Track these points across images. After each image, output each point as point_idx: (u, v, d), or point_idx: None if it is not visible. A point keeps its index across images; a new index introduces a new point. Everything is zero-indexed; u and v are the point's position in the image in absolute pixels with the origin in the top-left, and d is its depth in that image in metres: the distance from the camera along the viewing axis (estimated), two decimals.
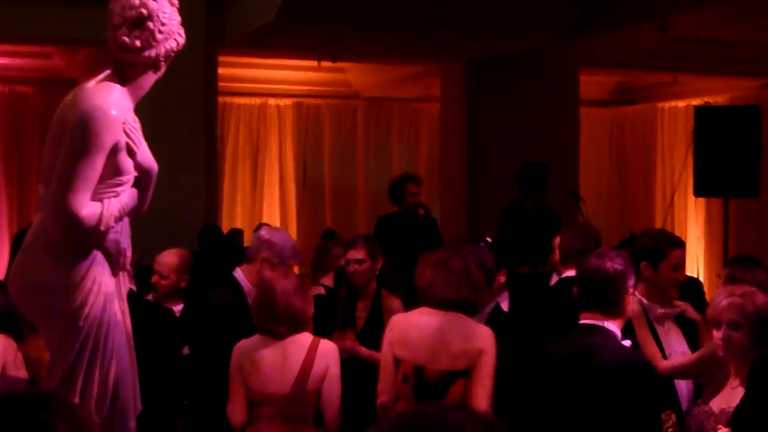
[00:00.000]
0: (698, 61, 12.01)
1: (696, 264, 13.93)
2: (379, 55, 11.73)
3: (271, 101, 14.04)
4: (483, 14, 9.32)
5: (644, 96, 15.23)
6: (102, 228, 3.79)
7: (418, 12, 9.20)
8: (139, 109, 4.01)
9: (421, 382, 4.48)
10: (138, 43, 3.87)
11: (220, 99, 11.67)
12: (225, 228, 12.57)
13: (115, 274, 3.96)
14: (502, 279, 6.12)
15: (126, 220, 3.98)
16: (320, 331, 5.84)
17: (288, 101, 14.10)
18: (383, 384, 4.61)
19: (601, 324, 3.97)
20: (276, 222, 13.37)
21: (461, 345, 4.46)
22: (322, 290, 6.86)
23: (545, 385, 4.05)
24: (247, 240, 11.55)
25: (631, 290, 4.04)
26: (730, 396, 3.97)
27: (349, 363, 5.53)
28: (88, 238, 3.81)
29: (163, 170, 4.10)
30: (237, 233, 11.32)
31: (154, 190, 4.09)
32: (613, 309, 3.99)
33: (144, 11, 3.85)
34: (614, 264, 3.98)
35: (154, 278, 6.19)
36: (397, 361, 4.55)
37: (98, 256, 3.87)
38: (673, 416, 4.11)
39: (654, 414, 3.95)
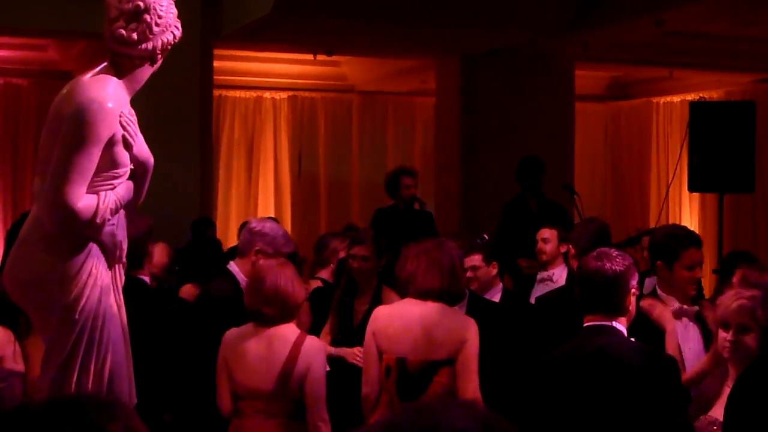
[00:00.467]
0: (693, 56, 12.04)
1: None
2: (374, 48, 11.73)
3: (267, 94, 14.04)
4: (478, 8, 9.32)
5: (639, 91, 15.24)
6: (98, 221, 3.79)
7: (414, 5, 9.20)
8: (134, 102, 4.01)
9: (404, 373, 4.50)
10: (134, 35, 3.86)
11: (216, 92, 11.67)
12: (220, 220, 12.58)
13: (110, 266, 3.95)
14: (493, 271, 6.16)
15: (122, 212, 3.98)
16: (317, 323, 5.86)
17: (283, 94, 14.10)
18: (366, 376, 4.64)
19: (609, 324, 3.90)
20: (271, 214, 13.37)
21: (443, 334, 4.51)
22: (319, 284, 6.86)
23: (559, 388, 3.95)
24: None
25: (633, 290, 3.96)
26: None
27: (339, 362, 5.55)
28: (84, 231, 3.81)
29: (157, 163, 4.10)
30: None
31: (149, 183, 4.09)
32: (616, 311, 3.92)
33: (141, 4, 3.85)
34: (613, 265, 3.90)
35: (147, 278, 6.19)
36: (380, 353, 4.57)
37: (94, 248, 3.87)
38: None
39: (683, 407, 3.88)
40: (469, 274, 5.97)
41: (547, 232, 7.20)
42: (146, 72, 3.99)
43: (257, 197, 13.93)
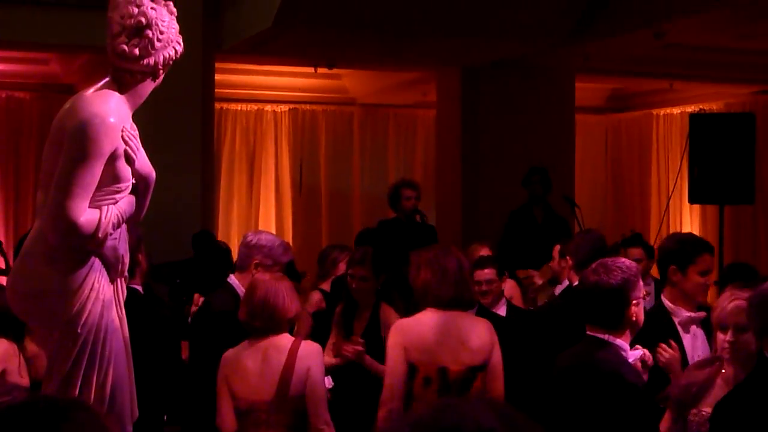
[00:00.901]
0: (693, 68, 12.07)
1: None
2: (375, 61, 11.76)
3: (268, 107, 14.06)
4: (479, 20, 9.35)
5: (639, 103, 15.26)
6: (100, 235, 3.81)
7: (414, 18, 9.23)
8: (136, 115, 4.03)
9: (445, 383, 4.51)
10: (137, 51, 3.88)
11: (217, 105, 11.70)
12: (221, 233, 12.60)
13: (113, 280, 3.97)
14: (504, 285, 6.23)
15: (124, 226, 3.99)
16: (317, 339, 5.87)
17: (284, 107, 14.12)
18: (393, 390, 4.56)
19: (604, 337, 3.94)
20: (271, 227, 13.40)
21: (478, 340, 4.58)
22: (320, 295, 6.86)
23: (551, 395, 4.03)
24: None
25: (635, 301, 3.97)
26: None
27: (347, 371, 5.55)
28: (86, 245, 3.83)
29: (159, 175, 4.12)
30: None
31: (151, 195, 4.11)
32: (616, 323, 3.95)
33: (143, 20, 3.87)
34: (610, 279, 3.92)
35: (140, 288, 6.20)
36: (413, 367, 4.54)
37: (96, 262, 3.89)
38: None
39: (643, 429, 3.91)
40: (484, 287, 6.00)
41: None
42: (148, 87, 4.01)
43: (258, 210, 13.94)
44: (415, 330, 4.62)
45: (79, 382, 3.84)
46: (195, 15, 9.75)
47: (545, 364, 4.72)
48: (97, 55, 10.06)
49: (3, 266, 9.27)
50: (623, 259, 4.16)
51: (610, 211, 15.39)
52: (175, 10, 4.02)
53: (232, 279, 5.61)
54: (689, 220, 14.29)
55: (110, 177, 3.83)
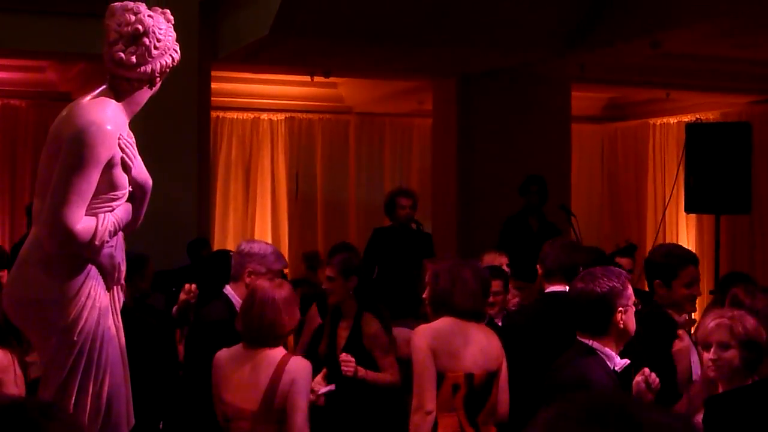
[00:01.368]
0: (689, 78, 12.08)
1: None
2: (372, 70, 11.77)
3: (264, 116, 14.07)
4: (475, 29, 9.36)
5: (636, 112, 15.29)
6: (96, 243, 3.80)
7: (411, 27, 9.23)
8: (132, 123, 4.03)
9: (471, 389, 4.56)
10: (133, 58, 3.88)
11: (213, 113, 11.70)
12: (217, 241, 12.59)
13: (109, 288, 3.96)
14: (508, 297, 6.29)
15: (120, 234, 3.99)
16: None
17: (280, 116, 14.14)
18: (429, 392, 4.52)
19: (590, 343, 4.02)
20: (267, 236, 13.40)
21: (494, 346, 4.68)
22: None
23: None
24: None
25: (620, 308, 4.01)
26: None
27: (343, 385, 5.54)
28: (83, 253, 3.82)
29: (155, 184, 4.11)
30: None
31: (147, 203, 4.11)
32: (602, 330, 4.02)
33: (140, 27, 3.87)
34: (596, 286, 4.00)
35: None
36: (440, 374, 4.53)
37: (93, 270, 3.88)
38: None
39: None
40: (490, 299, 6.03)
41: None
42: (145, 95, 4.00)
43: (254, 218, 13.94)
44: (440, 335, 4.62)
45: (75, 390, 3.83)
46: (191, 23, 9.76)
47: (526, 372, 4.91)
48: (93, 63, 10.07)
49: None
50: (612, 268, 4.24)
51: (607, 220, 15.41)
52: (172, 18, 4.01)
53: (227, 289, 5.61)
54: (685, 230, 14.31)
55: (107, 185, 3.83)
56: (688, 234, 14.28)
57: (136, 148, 3.96)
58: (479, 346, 4.61)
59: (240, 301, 5.35)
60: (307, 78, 12.18)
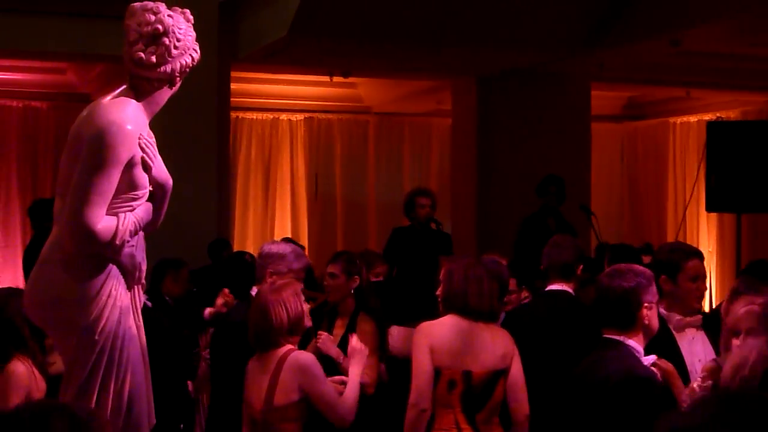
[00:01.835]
0: (709, 76, 12.03)
1: (708, 278, 13.89)
2: (391, 69, 11.77)
3: (283, 116, 14.10)
4: (494, 29, 9.35)
5: (656, 111, 15.23)
6: (117, 242, 3.81)
7: (429, 27, 9.23)
8: (152, 123, 4.03)
9: (469, 387, 4.57)
10: (153, 58, 3.89)
11: (233, 114, 11.72)
12: (237, 241, 12.62)
13: (130, 288, 3.97)
14: (523, 295, 6.28)
15: (141, 234, 3.99)
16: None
17: (300, 116, 14.16)
18: (423, 390, 4.57)
19: (619, 338, 4.01)
20: (287, 235, 13.40)
21: (500, 345, 4.66)
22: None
23: (565, 401, 4.08)
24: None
25: (647, 304, 4.03)
26: None
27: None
28: (104, 252, 3.83)
29: (175, 184, 4.12)
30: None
31: (167, 203, 4.12)
32: (629, 326, 4.02)
33: (160, 27, 3.87)
34: (623, 282, 4.01)
35: None
36: (437, 370, 4.58)
37: (114, 269, 3.88)
38: None
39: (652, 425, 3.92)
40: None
41: None
42: (165, 94, 4.01)
43: (274, 218, 13.97)
44: (439, 333, 4.65)
45: (97, 389, 3.84)
46: (211, 24, 9.79)
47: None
48: (113, 65, 10.11)
49: None
50: (636, 265, 4.25)
51: (627, 219, 15.36)
52: (191, 17, 4.02)
53: (254, 291, 5.67)
54: (706, 229, 14.25)
55: (127, 184, 3.84)
56: (708, 233, 14.22)
57: (156, 148, 3.97)
58: (483, 345, 4.61)
59: None
60: (327, 78, 12.20)
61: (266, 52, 10.00)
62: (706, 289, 5.10)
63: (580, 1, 9.54)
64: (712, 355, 4.87)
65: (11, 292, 4.90)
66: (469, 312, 4.65)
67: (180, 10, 4.00)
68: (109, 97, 3.92)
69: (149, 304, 5.75)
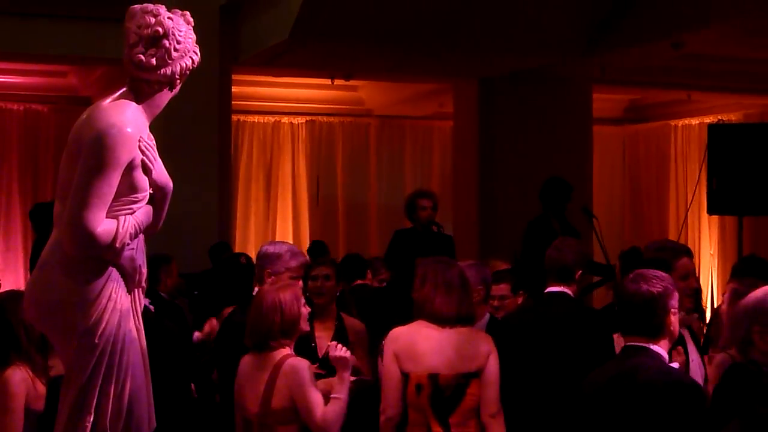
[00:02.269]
0: (711, 79, 12.02)
1: (709, 281, 13.90)
2: (392, 72, 11.77)
3: (285, 119, 14.10)
4: (496, 32, 9.35)
5: (657, 114, 15.23)
6: (117, 245, 3.80)
7: (431, 30, 9.23)
8: (153, 126, 4.02)
9: (437, 389, 4.56)
10: (153, 61, 3.88)
11: (234, 117, 11.72)
12: (238, 244, 12.61)
13: (130, 291, 3.96)
14: (519, 300, 6.25)
15: (141, 237, 3.99)
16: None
17: (301, 119, 14.16)
18: (389, 399, 4.64)
19: (646, 345, 3.90)
20: (289, 239, 13.40)
21: (473, 347, 4.64)
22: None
23: (591, 408, 3.98)
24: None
25: (673, 310, 3.93)
26: None
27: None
28: (104, 255, 3.82)
29: (176, 187, 4.11)
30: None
31: (168, 207, 4.11)
32: (656, 332, 3.91)
33: (160, 29, 3.87)
34: (650, 287, 3.89)
35: None
36: (405, 375, 4.60)
37: (114, 272, 3.88)
38: None
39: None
40: (496, 303, 6.06)
41: None
42: (165, 97, 4.00)
43: (275, 221, 13.96)
44: (405, 338, 4.68)
45: (97, 393, 3.83)
46: (212, 27, 9.80)
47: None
48: (114, 68, 10.11)
49: None
50: (658, 271, 4.11)
51: (628, 222, 15.34)
52: (192, 20, 4.02)
53: (255, 292, 5.67)
54: (708, 232, 14.24)
55: (127, 187, 3.83)
56: (710, 236, 14.21)
57: (156, 151, 3.96)
58: (452, 348, 4.60)
59: None
60: (328, 81, 12.19)
61: (268, 55, 10.00)
62: (695, 286, 5.08)
63: (582, 4, 9.54)
64: (696, 353, 4.90)
65: (11, 296, 4.90)
66: (437, 318, 4.65)
67: (180, 12, 4.00)
68: (108, 100, 3.92)
69: (151, 307, 5.74)
